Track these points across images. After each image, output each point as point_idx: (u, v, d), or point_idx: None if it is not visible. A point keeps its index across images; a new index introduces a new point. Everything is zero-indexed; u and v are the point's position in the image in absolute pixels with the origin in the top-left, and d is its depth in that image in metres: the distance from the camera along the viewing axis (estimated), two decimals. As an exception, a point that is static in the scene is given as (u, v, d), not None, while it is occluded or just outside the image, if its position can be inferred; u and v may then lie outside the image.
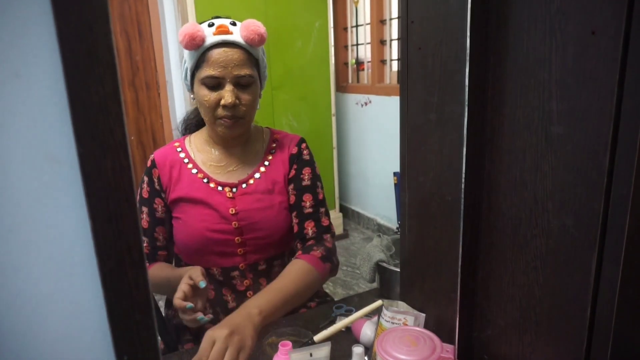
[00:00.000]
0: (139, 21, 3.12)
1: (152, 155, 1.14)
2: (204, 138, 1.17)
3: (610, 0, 0.56)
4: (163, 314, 1.23)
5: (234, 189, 1.12)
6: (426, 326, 0.90)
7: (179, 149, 1.15)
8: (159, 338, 1.09)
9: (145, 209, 1.13)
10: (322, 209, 1.16)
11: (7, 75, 0.45)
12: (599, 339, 0.63)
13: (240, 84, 1.04)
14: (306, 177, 1.16)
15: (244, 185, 1.13)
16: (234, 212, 1.10)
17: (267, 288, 1.00)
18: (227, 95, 1.02)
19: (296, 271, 1.04)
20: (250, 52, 1.05)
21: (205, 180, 1.12)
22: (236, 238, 1.10)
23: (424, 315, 0.91)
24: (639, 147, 0.54)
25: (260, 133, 1.21)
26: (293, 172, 1.17)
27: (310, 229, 1.14)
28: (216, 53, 1.02)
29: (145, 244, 1.11)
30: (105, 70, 0.45)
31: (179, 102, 3.29)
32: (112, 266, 0.50)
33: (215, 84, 1.03)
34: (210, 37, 1.02)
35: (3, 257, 0.49)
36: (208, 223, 1.08)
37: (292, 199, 1.15)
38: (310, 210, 1.14)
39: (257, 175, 1.15)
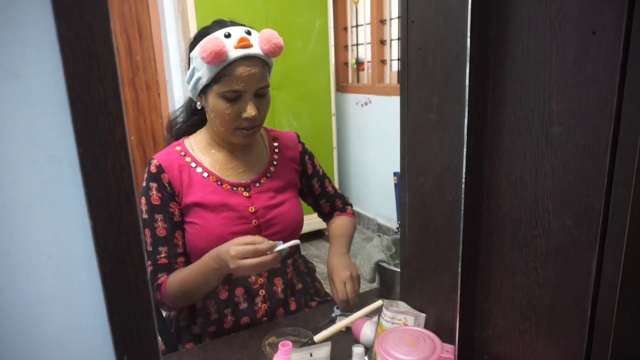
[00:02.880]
0: (139, 21, 3.12)
1: (155, 160, 1.10)
2: (206, 141, 1.16)
3: (610, 0, 0.56)
4: (163, 315, 1.23)
5: (248, 189, 1.14)
6: (426, 326, 0.90)
7: (182, 153, 1.13)
8: (159, 338, 1.09)
9: (159, 216, 1.08)
10: (337, 188, 1.38)
11: (7, 75, 0.45)
12: (599, 339, 0.63)
13: (259, 95, 1.07)
14: (318, 166, 1.31)
15: (257, 184, 1.16)
16: (253, 210, 1.12)
17: (337, 235, 1.26)
18: (250, 108, 1.04)
19: (347, 222, 1.31)
20: (267, 62, 1.07)
21: (218, 183, 1.12)
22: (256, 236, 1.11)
23: (424, 315, 0.91)
24: (639, 147, 0.54)
25: (259, 134, 1.24)
26: (310, 167, 1.28)
27: (339, 203, 1.36)
28: (240, 69, 1.01)
29: (163, 255, 1.07)
30: (105, 70, 0.45)
31: (179, 102, 3.29)
32: (112, 266, 0.50)
33: (235, 97, 1.04)
34: (233, 52, 1.00)
35: (3, 257, 0.49)
36: (228, 225, 1.09)
37: (318, 189, 1.30)
38: (333, 191, 1.34)
39: (268, 174, 1.18)
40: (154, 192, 1.09)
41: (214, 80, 1.03)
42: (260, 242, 0.95)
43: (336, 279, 1.10)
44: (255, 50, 1.02)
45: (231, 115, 1.04)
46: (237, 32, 1.03)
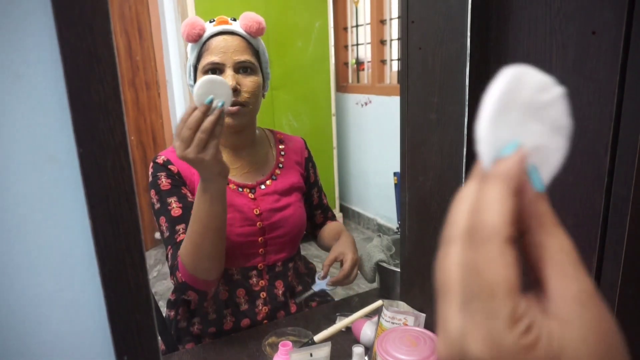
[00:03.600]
0: (139, 21, 3.12)
1: (163, 156, 1.09)
2: None
3: (610, 0, 0.56)
4: (163, 315, 1.23)
5: (253, 190, 1.13)
6: (426, 326, 0.90)
7: None
8: (159, 338, 1.08)
9: (172, 199, 1.05)
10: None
11: (8, 75, 0.45)
12: (599, 339, 0.63)
13: (241, 71, 1.06)
14: (318, 177, 1.32)
15: (262, 187, 1.15)
16: (257, 212, 1.11)
17: (343, 230, 1.27)
18: (228, 79, 1.02)
19: (343, 226, 1.33)
20: (249, 41, 1.07)
21: None
22: (259, 238, 1.11)
23: (424, 315, 0.91)
24: (639, 147, 0.54)
25: (265, 135, 1.24)
26: (313, 176, 1.28)
27: (330, 215, 1.38)
28: (216, 41, 1.04)
29: (181, 232, 1.02)
30: (105, 70, 0.45)
31: (179, 102, 3.29)
32: (112, 266, 0.50)
33: (216, 72, 1.04)
34: (211, 29, 1.05)
35: (3, 257, 0.49)
36: (233, 226, 1.07)
37: (316, 200, 1.31)
38: (326, 203, 1.36)
39: (273, 176, 1.18)
40: (163, 179, 1.06)
41: (197, 60, 1.06)
42: (187, 113, 0.84)
43: (350, 257, 1.10)
44: (234, 27, 1.05)
45: None
46: (221, 16, 1.07)
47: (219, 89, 0.84)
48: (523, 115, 0.27)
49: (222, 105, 0.83)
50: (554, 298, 0.24)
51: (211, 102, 0.82)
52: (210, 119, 0.83)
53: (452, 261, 0.26)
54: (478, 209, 0.25)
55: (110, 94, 0.46)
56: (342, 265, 1.11)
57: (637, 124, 0.55)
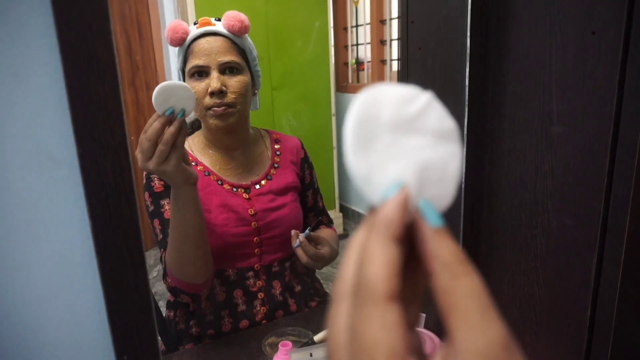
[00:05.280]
0: (139, 21, 3.12)
1: None
2: (203, 142, 1.16)
3: (610, 0, 0.56)
4: (163, 315, 1.23)
5: (248, 190, 1.13)
6: (426, 326, 0.90)
7: None
8: (159, 338, 1.08)
9: (165, 201, 1.05)
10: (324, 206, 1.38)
11: (7, 75, 0.45)
12: (599, 339, 0.63)
13: (227, 72, 1.05)
14: (314, 178, 1.30)
15: (257, 186, 1.15)
16: (252, 212, 1.11)
17: (327, 236, 1.21)
18: (213, 81, 1.02)
19: (334, 236, 1.29)
20: (234, 41, 1.07)
21: (219, 183, 1.11)
22: (255, 238, 1.10)
23: (424, 315, 0.91)
24: (639, 147, 0.54)
25: (260, 135, 1.23)
26: (308, 177, 1.27)
27: (325, 220, 1.33)
28: (199, 43, 1.04)
29: None
30: (105, 70, 0.45)
31: (179, 102, 3.29)
32: (112, 266, 0.50)
33: (202, 74, 1.04)
34: (194, 31, 1.04)
35: (3, 257, 0.49)
36: (228, 227, 1.08)
37: (311, 201, 1.28)
38: (322, 207, 1.33)
39: (268, 176, 1.17)
40: (156, 181, 1.07)
41: (184, 63, 1.07)
42: (149, 123, 0.83)
43: (327, 250, 1.11)
44: (217, 28, 1.05)
45: (199, 93, 1.04)
46: (204, 17, 1.07)
47: (180, 95, 0.80)
48: (394, 135, 0.25)
49: (183, 114, 0.80)
50: (460, 352, 0.20)
51: (172, 113, 0.80)
52: (170, 131, 0.80)
53: (338, 321, 0.23)
54: (362, 262, 0.22)
55: (110, 94, 0.46)
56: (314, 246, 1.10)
57: (637, 123, 0.55)
